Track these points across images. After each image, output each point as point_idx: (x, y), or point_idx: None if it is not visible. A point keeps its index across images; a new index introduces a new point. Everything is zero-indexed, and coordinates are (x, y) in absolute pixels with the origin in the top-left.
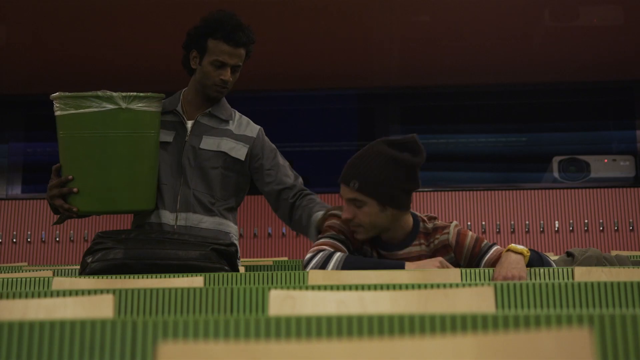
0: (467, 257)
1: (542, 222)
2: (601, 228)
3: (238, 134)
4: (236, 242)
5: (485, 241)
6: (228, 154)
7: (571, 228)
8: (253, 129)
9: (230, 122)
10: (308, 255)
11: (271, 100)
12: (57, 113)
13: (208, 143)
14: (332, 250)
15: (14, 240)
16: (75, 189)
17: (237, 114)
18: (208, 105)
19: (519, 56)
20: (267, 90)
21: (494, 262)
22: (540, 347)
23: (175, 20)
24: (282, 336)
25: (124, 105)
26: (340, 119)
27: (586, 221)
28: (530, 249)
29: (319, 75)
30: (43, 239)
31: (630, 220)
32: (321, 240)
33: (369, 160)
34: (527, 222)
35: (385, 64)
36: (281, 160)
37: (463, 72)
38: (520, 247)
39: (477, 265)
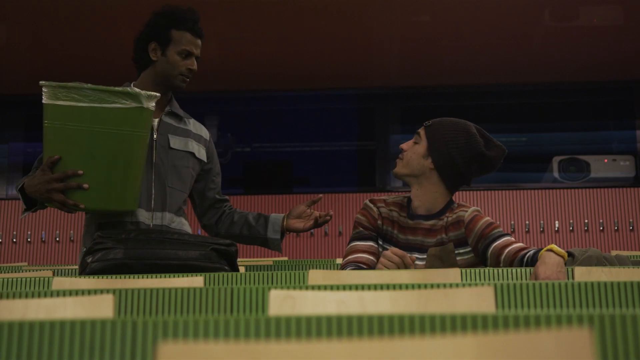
0: (476, 235)
1: (542, 222)
2: (601, 228)
3: (196, 134)
4: None
5: (500, 229)
6: (195, 154)
7: (571, 228)
8: (205, 131)
9: (187, 121)
10: (347, 267)
11: (271, 100)
12: (51, 102)
13: (177, 143)
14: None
15: (14, 240)
16: (85, 185)
17: (186, 113)
18: (165, 100)
19: (519, 56)
20: (267, 90)
21: (499, 250)
22: (540, 347)
23: None
24: (282, 336)
25: (146, 104)
26: (340, 119)
27: (586, 221)
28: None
29: (319, 75)
30: (43, 239)
31: (630, 220)
32: (354, 245)
33: (453, 125)
34: (527, 222)
35: (385, 64)
36: (219, 167)
37: (463, 72)
38: (561, 250)
39: (486, 248)
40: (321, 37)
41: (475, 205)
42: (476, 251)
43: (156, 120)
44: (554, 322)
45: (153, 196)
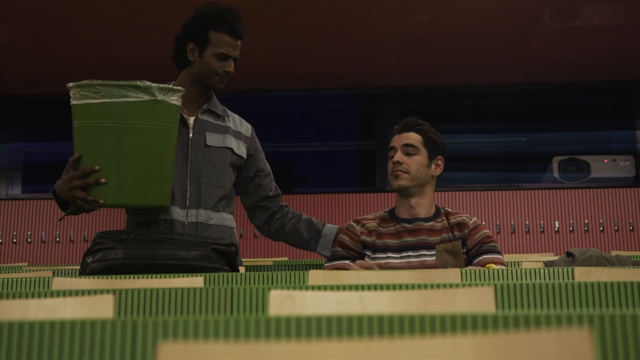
0: (474, 241)
1: (542, 222)
2: (601, 228)
3: (236, 131)
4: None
5: (494, 243)
6: (234, 150)
7: (571, 228)
8: (247, 128)
9: (226, 118)
10: None
11: (271, 100)
12: (82, 102)
13: (213, 140)
14: None
15: (14, 240)
16: (103, 180)
17: (227, 110)
18: (203, 99)
19: (519, 56)
20: (267, 90)
21: (485, 264)
22: (540, 347)
23: (176, 20)
24: (282, 336)
25: (159, 97)
26: (340, 119)
27: (586, 221)
28: None
29: (319, 75)
30: (43, 239)
31: (630, 220)
32: (325, 266)
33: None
34: (527, 222)
35: (385, 64)
36: (268, 166)
37: (463, 72)
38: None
39: (477, 256)
40: (321, 37)
41: (475, 206)
42: (468, 254)
43: (192, 119)
44: (554, 322)
45: (188, 194)
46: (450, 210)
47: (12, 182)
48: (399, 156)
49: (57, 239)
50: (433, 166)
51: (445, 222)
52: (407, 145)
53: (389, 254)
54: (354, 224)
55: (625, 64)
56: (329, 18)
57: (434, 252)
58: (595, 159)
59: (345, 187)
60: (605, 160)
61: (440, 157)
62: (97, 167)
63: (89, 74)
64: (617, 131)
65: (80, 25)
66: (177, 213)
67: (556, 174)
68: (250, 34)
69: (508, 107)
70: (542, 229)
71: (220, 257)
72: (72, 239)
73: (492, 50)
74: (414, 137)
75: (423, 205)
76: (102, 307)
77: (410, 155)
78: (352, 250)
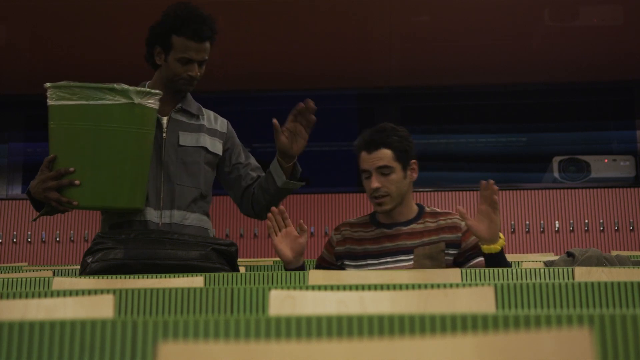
0: (469, 244)
1: (542, 222)
2: (601, 228)
3: (211, 129)
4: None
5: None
6: (208, 149)
7: (571, 228)
8: (223, 123)
9: (201, 116)
10: None
11: (271, 100)
12: (59, 102)
13: (186, 139)
14: None
15: (14, 240)
16: (77, 182)
17: (203, 108)
18: (177, 99)
19: (519, 56)
20: (267, 90)
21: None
22: (540, 347)
23: None
24: (282, 336)
25: (136, 100)
26: (340, 119)
27: (586, 221)
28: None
29: (319, 75)
30: (43, 239)
31: (631, 220)
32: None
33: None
34: (527, 222)
35: (385, 64)
36: (246, 157)
37: (463, 72)
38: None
39: (471, 258)
40: (321, 37)
41: (475, 206)
42: (461, 255)
43: (165, 119)
44: (554, 322)
45: (162, 195)
46: (438, 210)
47: (12, 182)
48: (376, 181)
49: (57, 239)
50: (409, 173)
51: (429, 223)
52: (380, 167)
53: (369, 261)
54: (334, 234)
55: (625, 64)
56: (329, 18)
57: (412, 257)
58: (595, 159)
59: (345, 187)
60: (606, 160)
61: (413, 160)
62: (71, 169)
63: (89, 74)
64: (617, 131)
65: (80, 25)
66: (151, 214)
67: (556, 174)
68: (250, 34)
69: (508, 107)
70: (542, 229)
71: (220, 257)
72: (72, 239)
73: (492, 50)
74: (385, 156)
75: (403, 212)
76: (102, 307)
77: (386, 175)
78: (331, 264)
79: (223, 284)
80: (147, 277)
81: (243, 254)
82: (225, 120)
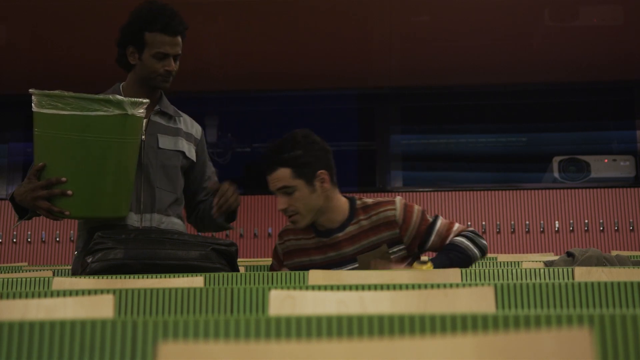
0: (412, 234)
1: (542, 222)
2: (601, 228)
3: (187, 133)
4: None
5: (429, 217)
6: (185, 154)
7: (571, 228)
8: (198, 129)
9: (177, 119)
10: None
11: (271, 100)
12: (50, 111)
13: (165, 142)
14: None
15: (14, 240)
16: (69, 192)
17: (178, 110)
18: (153, 100)
19: (519, 56)
20: (267, 90)
21: (439, 246)
22: (540, 347)
23: None
24: (282, 336)
25: (130, 111)
26: (340, 119)
27: (586, 221)
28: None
29: (319, 75)
30: (43, 239)
31: (631, 220)
32: None
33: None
34: (527, 222)
35: (385, 64)
36: (210, 168)
37: (463, 72)
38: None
39: (423, 245)
40: (321, 37)
41: (475, 206)
42: (413, 246)
43: (144, 121)
44: (554, 322)
45: (142, 198)
46: (368, 201)
47: (12, 182)
48: (281, 203)
49: (57, 239)
50: (317, 185)
51: (363, 222)
52: (280, 188)
53: None
54: (278, 244)
55: (625, 64)
56: (329, 18)
57: (356, 265)
58: (595, 159)
59: (345, 187)
60: (606, 160)
61: (320, 171)
62: (63, 179)
63: (89, 74)
64: (617, 131)
65: (80, 25)
66: (132, 218)
67: (556, 174)
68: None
69: (508, 107)
70: (542, 229)
71: (220, 257)
72: (72, 239)
73: (492, 50)
74: (283, 176)
75: (331, 218)
76: (102, 307)
77: (290, 194)
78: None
79: (223, 284)
80: (147, 277)
81: (243, 254)
82: (199, 127)
